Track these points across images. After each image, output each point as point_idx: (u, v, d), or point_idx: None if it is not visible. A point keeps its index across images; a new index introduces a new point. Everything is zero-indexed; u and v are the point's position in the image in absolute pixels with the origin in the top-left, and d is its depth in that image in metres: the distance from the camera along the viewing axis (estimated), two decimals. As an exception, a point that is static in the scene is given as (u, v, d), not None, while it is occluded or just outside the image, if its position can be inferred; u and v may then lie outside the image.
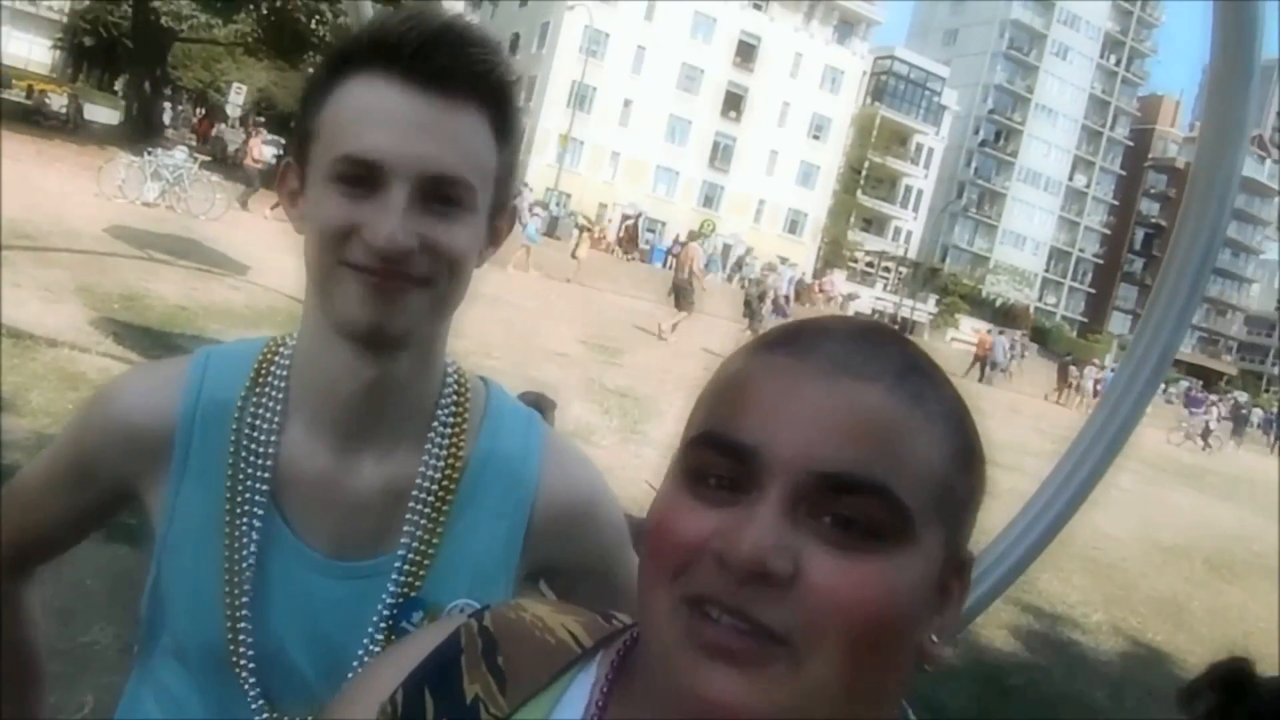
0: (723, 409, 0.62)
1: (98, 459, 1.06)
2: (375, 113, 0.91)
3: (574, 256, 24.43)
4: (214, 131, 35.51)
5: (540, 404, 2.83)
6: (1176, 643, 7.18)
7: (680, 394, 11.63)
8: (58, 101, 30.73)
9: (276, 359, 1.05)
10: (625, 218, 42.63)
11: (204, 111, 39.97)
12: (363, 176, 0.91)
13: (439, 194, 0.93)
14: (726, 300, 24.77)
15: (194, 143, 29.52)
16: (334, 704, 0.80)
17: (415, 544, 1.03)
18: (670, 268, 24.97)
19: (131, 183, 17.06)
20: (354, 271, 0.92)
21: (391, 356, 0.99)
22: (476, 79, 0.94)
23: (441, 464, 1.04)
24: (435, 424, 1.05)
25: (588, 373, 11.51)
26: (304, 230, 0.97)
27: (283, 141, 32.29)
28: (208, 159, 21.05)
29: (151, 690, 1.10)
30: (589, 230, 29.57)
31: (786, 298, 27.32)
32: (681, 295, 17.63)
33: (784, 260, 54.01)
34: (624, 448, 8.31)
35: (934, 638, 0.61)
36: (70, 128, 27.32)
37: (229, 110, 35.41)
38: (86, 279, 9.51)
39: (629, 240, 40.44)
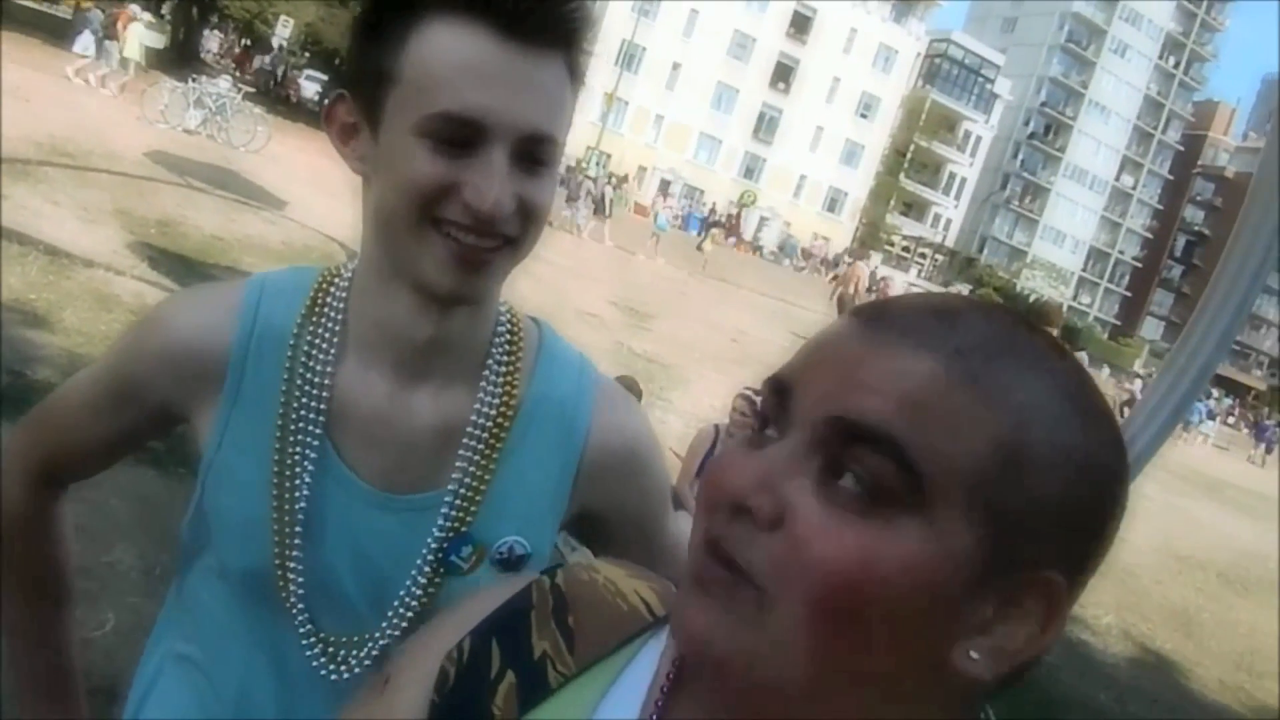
0: (787, 360, 0.61)
1: (147, 381, 1.04)
2: (473, 67, 0.88)
3: (700, 249, 25.33)
4: (255, 63, 35.41)
5: (630, 389, 2.81)
6: (1184, 652, 7.19)
7: (708, 364, 11.63)
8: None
9: (332, 290, 1.04)
10: (664, 183, 42.44)
11: (249, 42, 39.87)
12: (460, 135, 0.89)
13: (532, 153, 0.92)
14: (759, 274, 24.87)
15: (237, 73, 29.49)
16: (399, 655, 0.80)
17: (467, 480, 1.03)
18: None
19: (174, 109, 17.08)
20: (442, 231, 0.91)
21: (456, 311, 0.99)
22: (562, 29, 0.92)
23: (496, 402, 1.04)
24: (490, 363, 1.05)
25: (615, 336, 11.52)
26: (373, 174, 0.95)
27: (325, 79, 32.24)
28: (251, 90, 21.00)
29: (190, 610, 1.10)
30: (719, 225, 30.22)
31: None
32: (844, 309, 19.78)
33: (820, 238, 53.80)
34: (648, 414, 8.30)
35: (972, 653, 0.54)
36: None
37: (275, 43, 35.30)
38: (125, 202, 9.57)
39: (733, 229, 40.10)
